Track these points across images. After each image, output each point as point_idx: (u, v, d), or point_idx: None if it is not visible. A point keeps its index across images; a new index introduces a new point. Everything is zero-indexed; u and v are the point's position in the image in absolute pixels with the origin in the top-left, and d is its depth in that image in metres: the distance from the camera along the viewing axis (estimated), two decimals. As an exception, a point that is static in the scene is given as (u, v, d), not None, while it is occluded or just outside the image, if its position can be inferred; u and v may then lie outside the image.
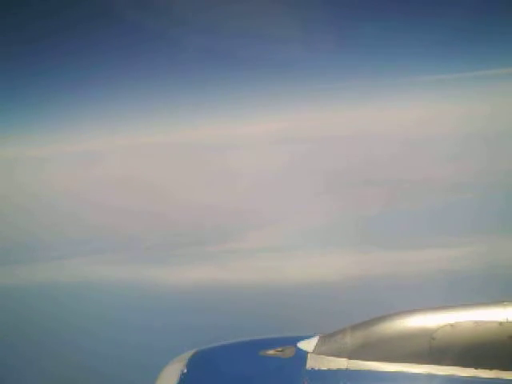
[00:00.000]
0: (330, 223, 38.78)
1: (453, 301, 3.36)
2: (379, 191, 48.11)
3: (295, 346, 3.57)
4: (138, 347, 20.95)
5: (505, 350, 3.04)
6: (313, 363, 3.37)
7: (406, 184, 49.98)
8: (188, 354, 3.70)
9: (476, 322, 3.10)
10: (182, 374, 3.49)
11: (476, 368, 3.06)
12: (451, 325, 3.14)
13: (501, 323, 3.06)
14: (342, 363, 3.30)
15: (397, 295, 20.03)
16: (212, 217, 46.10)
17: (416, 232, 34.86)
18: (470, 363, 3.07)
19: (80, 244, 40.45)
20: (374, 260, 29.53)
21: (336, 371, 3.27)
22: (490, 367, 3.04)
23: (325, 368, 3.32)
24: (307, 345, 3.54)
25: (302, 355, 3.45)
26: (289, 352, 3.51)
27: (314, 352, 3.46)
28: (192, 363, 3.57)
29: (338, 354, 3.35)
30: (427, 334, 3.17)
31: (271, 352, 3.54)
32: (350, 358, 3.31)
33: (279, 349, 3.55)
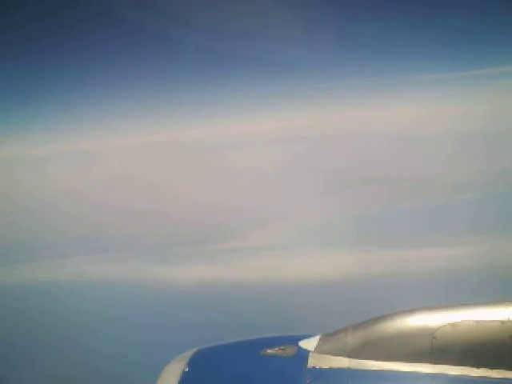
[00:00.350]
0: (330, 222, 38.77)
1: (454, 300, 3.37)
2: (379, 190, 48.11)
3: (296, 344, 3.57)
4: (139, 346, 20.94)
5: (506, 350, 3.05)
6: (314, 362, 3.37)
7: (405, 183, 49.95)
8: (189, 352, 3.70)
9: (477, 322, 3.10)
10: (183, 372, 3.50)
11: (477, 367, 3.07)
12: (452, 324, 3.14)
13: (502, 322, 3.07)
14: (343, 362, 3.31)
15: (398, 294, 19.98)
16: (213, 215, 46.10)
17: (416, 231, 34.84)
18: (471, 362, 3.08)
19: (82, 243, 40.43)
20: (374, 259, 29.52)
21: (337, 370, 3.28)
22: (492, 366, 3.05)
23: (326, 367, 3.33)
24: (308, 344, 3.55)
25: (304, 354, 3.46)
26: (290, 351, 3.52)
27: (315, 351, 3.46)
28: (193, 362, 3.58)
29: (340, 353, 3.36)
30: (428, 333, 3.17)
31: (272, 351, 3.55)
32: (351, 356, 3.32)
33: (280, 348, 3.56)
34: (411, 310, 3.36)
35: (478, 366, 3.07)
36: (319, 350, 3.47)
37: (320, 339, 3.58)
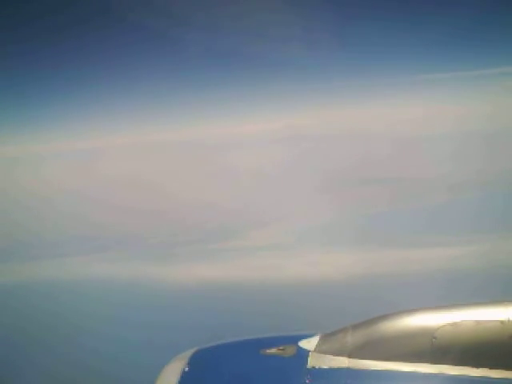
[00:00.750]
0: (331, 222, 38.76)
1: (454, 300, 3.37)
2: (380, 190, 48.13)
3: (296, 344, 3.57)
4: (139, 345, 20.97)
5: (506, 350, 3.05)
6: (314, 362, 3.37)
7: (407, 182, 49.94)
8: (189, 352, 3.70)
9: (477, 322, 3.10)
10: (183, 372, 3.49)
11: (477, 367, 3.07)
12: (452, 324, 3.14)
13: (502, 322, 3.07)
14: (343, 362, 3.30)
15: (398, 294, 19.98)
16: (214, 215, 46.13)
17: (417, 231, 34.84)
18: (471, 362, 3.07)
19: (82, 242, 40.47)
20: (375, 258, 29.51)
21: (337, 370, 3.28)
22: (492, 367, 3.05)
23: (326, 367, 3.32)
24: (308, 343, 3.55)
25: (304, 354, 3.46)
26: (290, 351, 3.52)
27: (315, 351, 3.46)
28: (193, 361, 3.58)
29: (340, 353, 3.36)
30: (428, 333, 3.17)
31: (272, 351, 3.54)
32: (351, 356, 3.32)
33: (280, 347, 3.55)
34: (411, 310, 3.36)
35: (477, 366, 3.07)
36: (319, 349, 3.46)
37: (320, 339, 3.57)
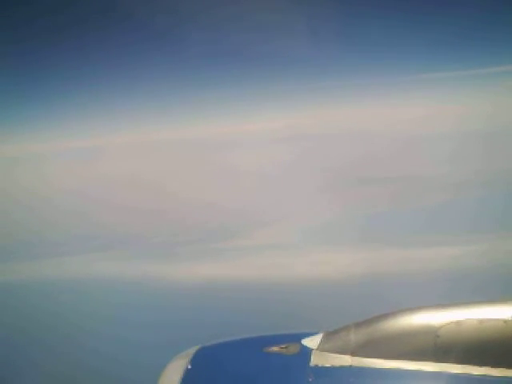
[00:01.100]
0: (334, 221, 38.80)
1: (457, 298, 3.37)
2: (383, 189, 48.15)
3: (299, 342, 3.57)
4: (141, 345, 20.96)
5: (509, 348, 3.05)
6: (317, 360, 3.37)
7: (408, 182, 49.96)
8: (192, 350, 3.70)
9: (480, 320, 3.10)
10: (186, 370, 3.50)
11: (480, 366, 3.07)
12: (456, 322, 3.14)
13: (505, 321, 3.07)
14: (345, 360, 3.31)
15: (401, 293, 20.02)
16: (217, 214, 46.14)
17: (418, 230, 34.84)
18: (474, 361, 3.07)
19: (85, 241, 40.49)
20: (378, 258, 29.53)
21: (340, 368, 3.29)
22: (495, 365, 3.05)
23: (329, 365, 3.33)
24: (311, 342, 3.55)
25: (306, 352, 3.46)
26: (293, 349, 3.52)
27: (318, 349, 3.47)
28: (196, 359, 3.58)
29: (342, 351, 3.36)
30: (431, 332, 3.17)
31: (275, 349, 3.55)
32: (353, 354, 3.32)
33: (283, 346, 3.56)
34: (414, 309, 3.36)
35: (481, 364, 3.07)
36: (322, 347, 3.47)
37: (323, 337, 3.58)
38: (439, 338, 3.14)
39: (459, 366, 3.09)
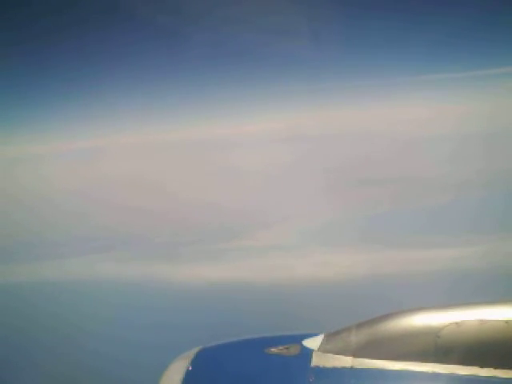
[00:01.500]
0: (336, 222, 38.79)
1: (458, 299, 3.36)
2: (384, 190, 48.13)
3: (300, 343, 3.57)
4: (142, 345, 20.95)
5: (510, 349, 3.04)
6: (318, 361, 3.36)
7: (408, 183, 49.93)
8: (193, 351, 3.70)
9: (481, 321, 3.10)
10: (187, 371, 3.50)
11: (481, 367, 3.06)
12: (457, 323, 3.13)
13: (507, 322, 3.06)
14: (346, 361, 3.30)
15: (402, 293, 20.01)
16: (219, 215, 46.13)
17: (419, 231, 34.83)
18: (475, 362, 3.06)
19: (87, 242, 40.48)
20: (379, 259, 29.53)
21: (341, 369, 3.27)
22: (496, 366, 3.04)
23: (330, 366, 3.32)
24: (312, 343, 3.54)
25: (307, 353, 3.45)
26: (294, 350, 3.51)
27: (319, 350, 3.46)
28: (197, 360, 3.57)
29: (343, 352, 3.35)
30: (432, 333, 3.16)
31: (276, 350, 3.54)
32: (354, 356, 3.31)
33: (284, 347, 3.55)
34: (415, 309, 3.35)
35: (482, 365, 3.06)
36: (323, 348, 3.46)
37: (324, 338, 3.57)
38: (440, 339, 3.13)
39: (460, 367, 3.08)
